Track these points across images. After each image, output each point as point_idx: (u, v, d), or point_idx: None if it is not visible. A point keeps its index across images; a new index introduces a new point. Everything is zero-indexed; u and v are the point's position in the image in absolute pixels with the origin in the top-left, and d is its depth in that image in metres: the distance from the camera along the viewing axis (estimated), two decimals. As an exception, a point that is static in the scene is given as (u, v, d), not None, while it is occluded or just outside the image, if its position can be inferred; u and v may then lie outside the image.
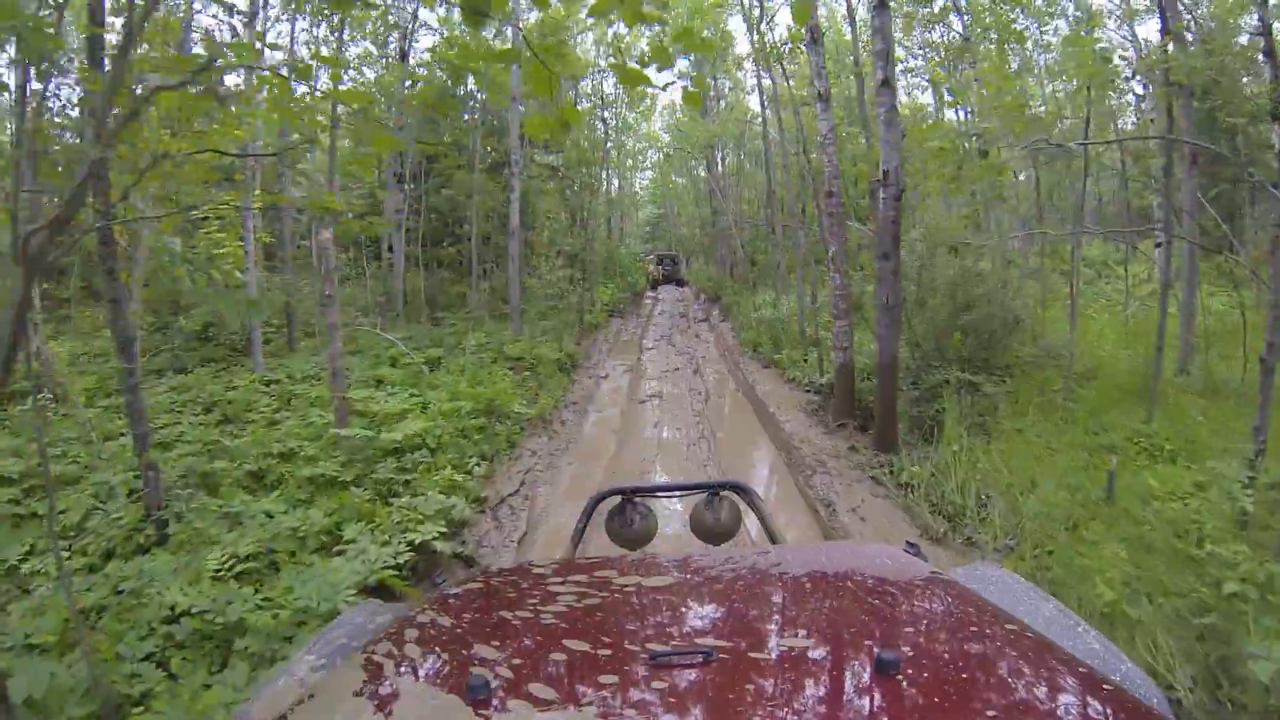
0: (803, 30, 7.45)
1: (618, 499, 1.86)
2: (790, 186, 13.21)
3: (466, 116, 16.31)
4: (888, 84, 5.12)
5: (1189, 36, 7.18)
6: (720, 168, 22.51)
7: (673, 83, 17.01)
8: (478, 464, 5.43)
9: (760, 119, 15.61)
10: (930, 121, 12.44)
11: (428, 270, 14.65)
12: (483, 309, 12.69)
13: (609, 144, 18.92)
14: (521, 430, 6.68)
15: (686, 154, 20.38)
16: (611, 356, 11.75)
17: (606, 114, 19.31)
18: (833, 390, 7.08)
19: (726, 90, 24.66)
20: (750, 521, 2.13)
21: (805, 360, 9.68)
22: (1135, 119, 14.51)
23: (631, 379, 9.89)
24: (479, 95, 17.03)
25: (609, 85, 21.92)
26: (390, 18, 12.85)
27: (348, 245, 18.18)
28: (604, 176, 26.06)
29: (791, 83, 11.87)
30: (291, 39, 11.74)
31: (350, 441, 5.42)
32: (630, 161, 30.96)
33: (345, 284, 16.02)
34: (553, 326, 11.71)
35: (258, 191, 10.25)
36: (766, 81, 13.47)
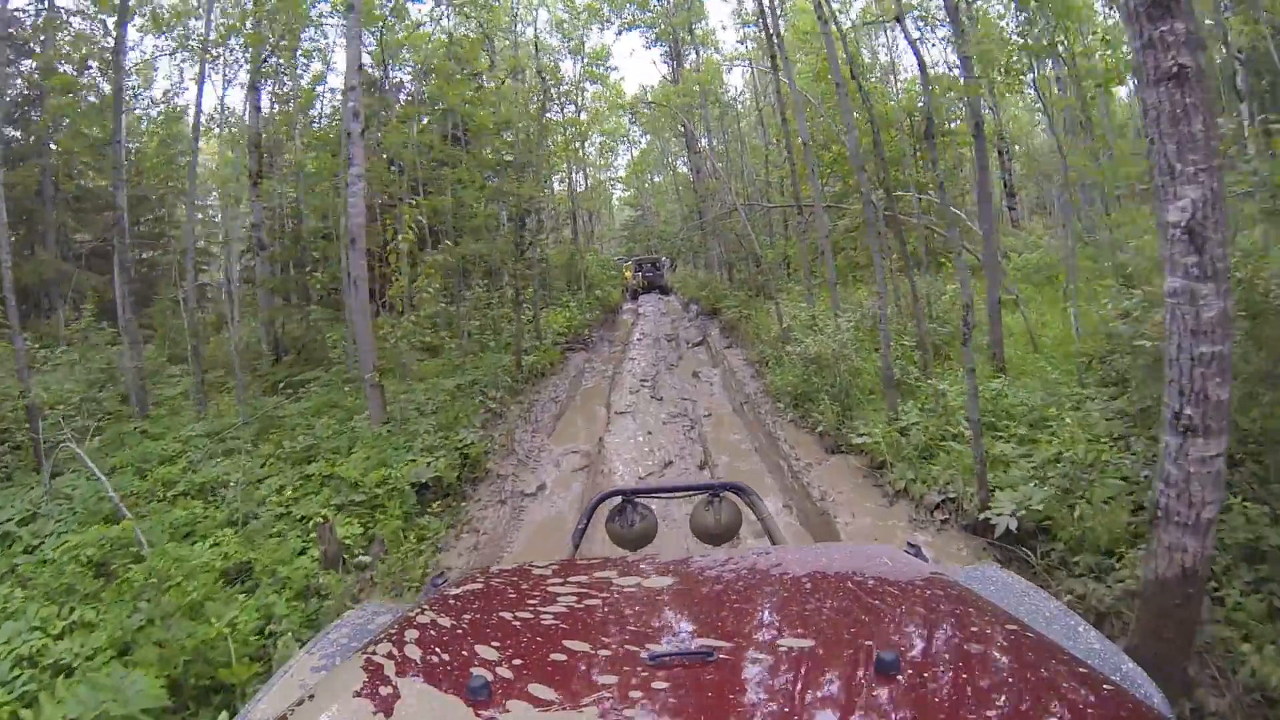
0: None
1: (618, 500, 1.79)
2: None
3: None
4: None
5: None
6: (708, 141, 18.11)
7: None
8: None
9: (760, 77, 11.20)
10: None
11: (293, 306, 10.05)
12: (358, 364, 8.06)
13: (551, 105, 14.30)
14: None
15: (662, 112, 15.93)
16: (558, 434, 7.10)
17: (548, 79, 14.83)
18: (1138, 611, 2.52)
19: (701, 62, 20.47)
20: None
21: (903, 435, 5.20)
22: None
23: (585, 495, 5.32)
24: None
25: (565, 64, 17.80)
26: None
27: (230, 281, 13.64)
28: (567, 168, 21.78)
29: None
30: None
31: None
32: (600, 157, 26.93)
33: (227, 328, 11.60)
34: (459, 389, 7.12)
35: None
36: None
